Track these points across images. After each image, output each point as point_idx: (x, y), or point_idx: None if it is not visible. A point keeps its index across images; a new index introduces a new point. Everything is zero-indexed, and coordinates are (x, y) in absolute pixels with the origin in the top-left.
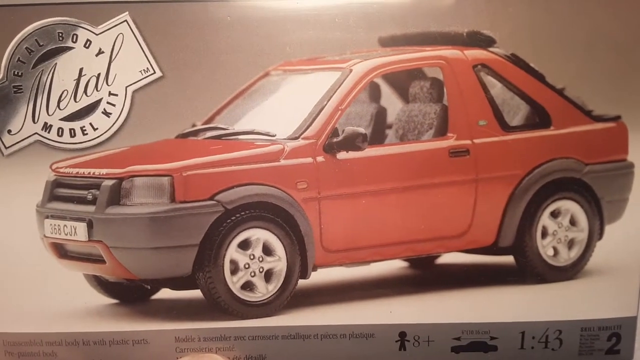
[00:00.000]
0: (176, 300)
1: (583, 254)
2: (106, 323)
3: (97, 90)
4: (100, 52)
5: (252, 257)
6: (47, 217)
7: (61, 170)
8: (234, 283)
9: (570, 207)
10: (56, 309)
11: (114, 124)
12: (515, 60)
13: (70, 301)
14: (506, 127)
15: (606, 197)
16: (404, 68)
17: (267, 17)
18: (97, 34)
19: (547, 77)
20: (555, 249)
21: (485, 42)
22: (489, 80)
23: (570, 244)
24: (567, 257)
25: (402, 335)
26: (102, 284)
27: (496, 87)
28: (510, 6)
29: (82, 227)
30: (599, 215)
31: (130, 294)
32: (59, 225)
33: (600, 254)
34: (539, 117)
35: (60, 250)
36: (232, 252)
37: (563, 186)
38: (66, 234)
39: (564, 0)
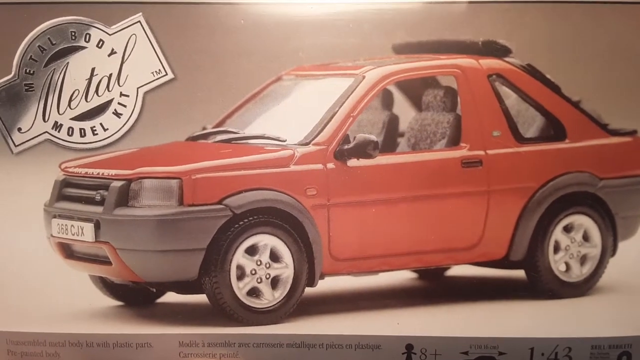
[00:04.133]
0: (181, 305)
1: (595, 270)
2: (110, 325)
3: (108, 90)
4: (112, 52)
5: (259, 263)
6: (54, 217)
7: (70, 170)
8: (240, 289)
9: (583, 222)
10: (60, 309)
11: (124, 124)
12: (531, 70)
13: (75, 302)
14: (520, 139)
15: (620, 213)
16: (418, 76)
17: (281, 21)
18: (110, 34)
19: (563, 89)
20: (567, 264)
21: (501, 51)
22: (504, 90)
23: (583, 259)
24: (579, 273)
25: (409, 347)
26: (108, 286)
27: (511, 98)
28: (527, 15)
29: (89, 228)
30: (613, 231)
31: (136, 297)
32: (66, 225)
33: (613, 271)
34: (553, 130)
35: (67, 251)
36: (239, 257)
37: (577, 200)
38: (73, 234)
39: (581, 11)
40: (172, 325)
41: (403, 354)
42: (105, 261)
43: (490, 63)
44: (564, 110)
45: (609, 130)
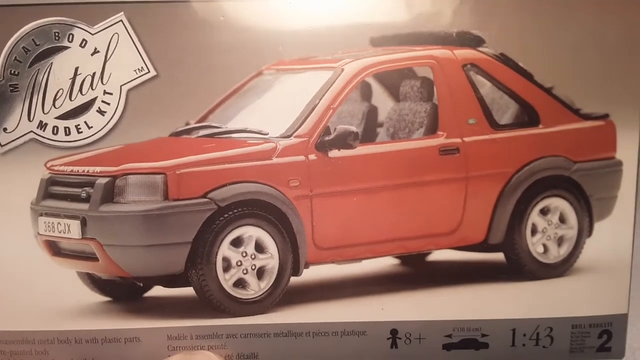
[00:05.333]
0: (168, 298)
1: (572, 251)
2: (99, 321)
3: (92, 89)
4: (95, 51)
5: (244, 254)
6: (41, 215)
7: (56, 168)
8: (227, 280)
9: (559, 204)
10: (49, 306)
11: (108, 122)
12: (504, 59)
13: (63, 299)
14: (495, 126)
15: (595, 195)
16: (395, 67)
17: (260, 17)
18: (92, 34)
19: (536, 76)
20: (545, 246)
21: (475, 41)
22: (479, 79)
23: (560, 241)
24: (556, 254)
25: (394, 332)
26: (95, 282)
27: (485, 86)
28: (499, 6)
29: (75, 225)
30: (588, 212)
31: (123, 292)
32: (52, 222)
33: (590, 251)
34: (527, 116)
35: (54, 248)
36: (225, 249)
37: (552, 184)
38: (60, 232)
39: (552, 1)
40: (160, 319)
41: (388, 339)
42: (92, 257)
43: (465, 53)
44: (537, 96)
45: (581, 115)
